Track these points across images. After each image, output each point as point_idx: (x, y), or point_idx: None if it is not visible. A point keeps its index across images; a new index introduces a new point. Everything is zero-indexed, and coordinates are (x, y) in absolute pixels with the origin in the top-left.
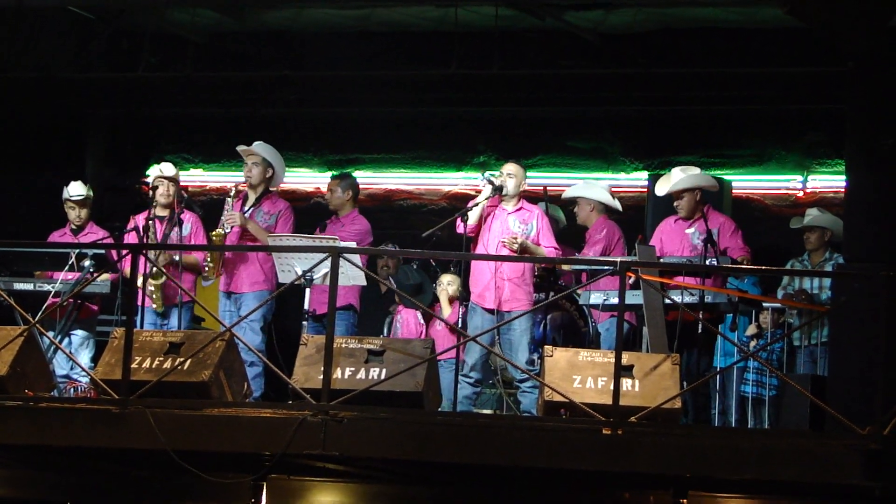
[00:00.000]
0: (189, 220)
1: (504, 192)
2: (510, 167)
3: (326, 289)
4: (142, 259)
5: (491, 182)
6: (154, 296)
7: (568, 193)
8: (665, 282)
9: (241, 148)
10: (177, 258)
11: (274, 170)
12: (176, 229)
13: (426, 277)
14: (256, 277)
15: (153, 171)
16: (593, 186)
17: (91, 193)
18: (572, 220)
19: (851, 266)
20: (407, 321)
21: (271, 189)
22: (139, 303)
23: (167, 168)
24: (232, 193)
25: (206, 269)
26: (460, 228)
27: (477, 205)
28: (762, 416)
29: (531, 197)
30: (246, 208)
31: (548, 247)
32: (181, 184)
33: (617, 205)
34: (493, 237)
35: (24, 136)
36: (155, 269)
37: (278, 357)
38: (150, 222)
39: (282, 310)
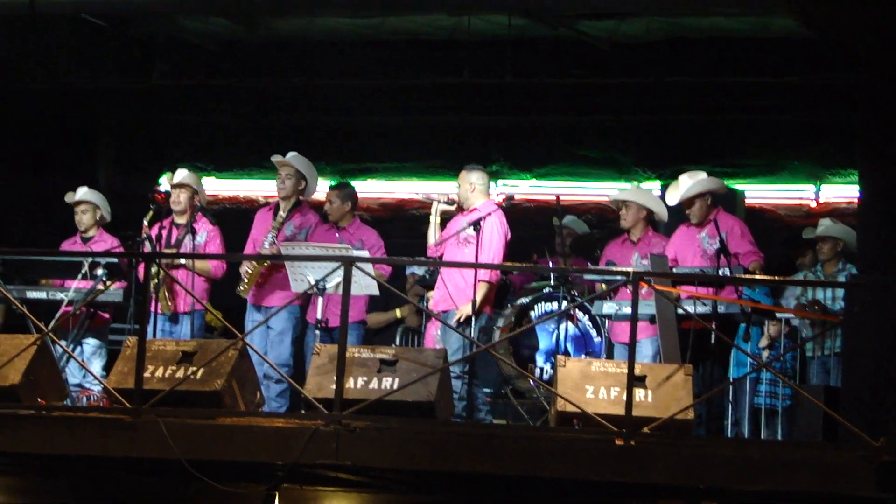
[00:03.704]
0: (205, 228)
1: (457, 206)
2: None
3: (339, 299)
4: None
5: (437, 201)
6: (162, 300)
7: (622, 196)
8: (678, 292)
9: (275, 158)
10: (182, 262)
11: (306, 181)
12: (189, 237)
13: None
14: (286, 292)
15: (166, 179)
16: (647, 193)
17: (94, 199)
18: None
19: (864, 276)
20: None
21: (302, 199)
22: (151, 310)
23: (178, 175)
24: (277, 221)
25: (243, 286)
26: (430, 251)
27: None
28: (775, 427)
29: (544, 206)
30: (276, 221)
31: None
32: (206, 192)
33: (665, 216)
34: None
35: (36, 143)
36: (161, 274)
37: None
38: (161, 230)
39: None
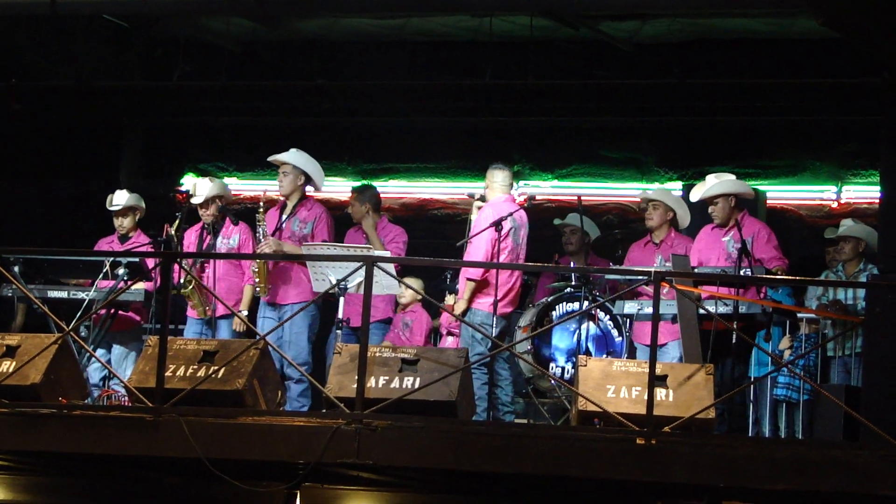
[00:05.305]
0: (237, 231)
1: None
2: None
3: (362, 298)
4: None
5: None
6: (197, 306)
7: (652, 195)
8: (699, 292)
9: (271, 158)
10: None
11: (308, 176)
12: (226, 240)
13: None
14: (300, 290)
15: (189, 183)
16: (674, 195)
17: (134, 203)
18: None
19: (886, 277)
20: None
21: (307, 195)
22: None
23: (201, 189)
24: (260, 214)
25: (258, 288)
26: None
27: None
28: (795, 421)
29: (566, 207)
30: (283, 218)
31: None
32: (233, 193)
33: (686, 222)
34: None
35: (58, 143)
36: (187, 276)
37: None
38: (199, 234)
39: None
